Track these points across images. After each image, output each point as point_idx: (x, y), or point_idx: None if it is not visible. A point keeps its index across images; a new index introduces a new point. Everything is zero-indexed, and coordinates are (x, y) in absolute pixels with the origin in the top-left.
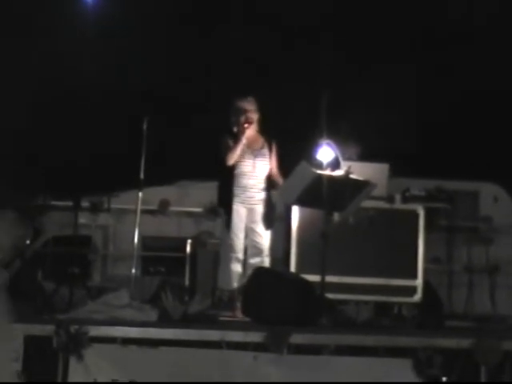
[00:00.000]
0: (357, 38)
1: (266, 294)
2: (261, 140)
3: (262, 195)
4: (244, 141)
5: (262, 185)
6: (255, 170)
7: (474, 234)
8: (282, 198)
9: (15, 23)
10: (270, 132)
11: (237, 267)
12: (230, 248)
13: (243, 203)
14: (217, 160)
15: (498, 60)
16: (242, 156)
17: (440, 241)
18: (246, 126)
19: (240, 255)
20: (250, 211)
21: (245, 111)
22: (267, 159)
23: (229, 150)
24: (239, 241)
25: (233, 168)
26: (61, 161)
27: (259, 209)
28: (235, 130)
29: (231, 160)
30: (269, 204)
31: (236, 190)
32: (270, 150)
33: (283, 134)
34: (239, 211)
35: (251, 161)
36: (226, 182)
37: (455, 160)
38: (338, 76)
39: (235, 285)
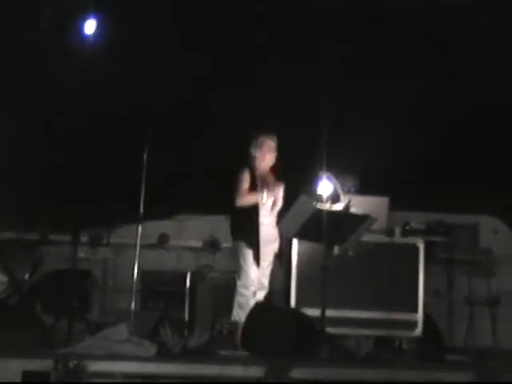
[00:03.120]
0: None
1: (266, 329)
2: (272, 176)
3: (276, 232)
4: (264, 200)
5: (275, 221)
6: (271, 205)
7: (474, 267)
8: (283, 230)
9: (17, 52)
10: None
11: (252, 301)
12: (247, 283)
13: (258, 239)
14: (231, 192)
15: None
16: (260, 191)
17: (440, 273)
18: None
19: (254, 289)
20: (263, 248)
21: (270, 150)
22: (281, 194)
23: (243, 194)
24: (255, 275)
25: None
26: (60, 195)
27: (271, 246)
28: (255, 165)
29: (241, 203)
30: (282, 240)
31: (254, 226)
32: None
33: (283, 167)
34: (259, 247)
35: (269, 196)
36: (244, 216)
37: (454, 193)
38: (338, 109)
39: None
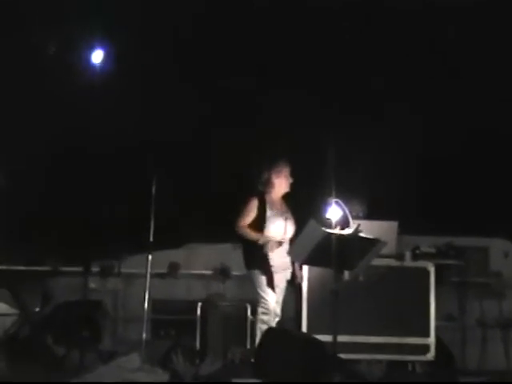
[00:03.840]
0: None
1: (278, 355)
2: (284, 203)
3: (289, 259)
4: (261, 242)
5: (286, 248)
6: (284, 232)
7: (485, 290)
8: (292, 257)
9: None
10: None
11: (273, 324)
12: (266, 308)
13: (273, 266)
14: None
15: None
16: (273, 218)
17: (451, 297)
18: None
19: (272, 317)
20: (276, 274)
21: (285, 176)
22: (293, 221)
23: (244, 222)
24: (272, 301)
25: (262, 229)
26: (71, 226)
27: (283, 273)
28: (267, 191)
29: (238, 232)
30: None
31: (264, 253)
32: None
33: (293, 193)
34: (272, 273)
35: (282, 223)
36: (253, 243)
37: (464, 216)
38: (347, 135)
39: None
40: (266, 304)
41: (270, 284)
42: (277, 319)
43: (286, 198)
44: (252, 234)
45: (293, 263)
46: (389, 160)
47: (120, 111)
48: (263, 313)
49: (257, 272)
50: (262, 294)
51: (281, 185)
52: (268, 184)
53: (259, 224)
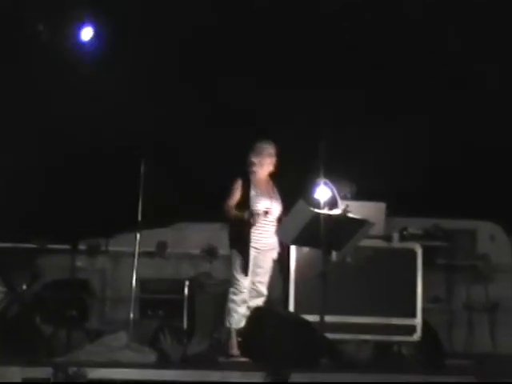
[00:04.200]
0: (358, 82)
1: (266, 334)
2: (271, 183)
3: (274, 239)
4: (246, 217)
5: (274, 228)
6: (269, 212)
7: (472, 273)
8: (281, 237)
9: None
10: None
11: (243, 308)
12: (237, 288)
13: (255, 246)
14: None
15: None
16: (257, 198)
17: (438, 280)
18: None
19: (246, 296)
20: (259, 255)
21: (269, 155)
22: (280, 201)
23: (230, 203)
24: (246, 282)
25: (247, 209)
26: (58, 204)
27: (269, 254)
28: (253, 170)
29: (228, 214)
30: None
31: (249, 233)
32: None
33: (281, 173)
34: (249, 254)
35: (267, 203)
36: (239, 223)
37: (452, 199)
38: (338, 116)
39: (239, 324)
40: (237, 284)
41: (245, 265)
42: (262, 299)
43: (274, 177)
44: (237, 213)
45: (281, 243)
46: (378, 142)
47: (111, 96)
48: (233, 293)
49: (234, 252)
50: (235, 273)
51: (261, 164)
52: (249, 164)
53: (244, 204)
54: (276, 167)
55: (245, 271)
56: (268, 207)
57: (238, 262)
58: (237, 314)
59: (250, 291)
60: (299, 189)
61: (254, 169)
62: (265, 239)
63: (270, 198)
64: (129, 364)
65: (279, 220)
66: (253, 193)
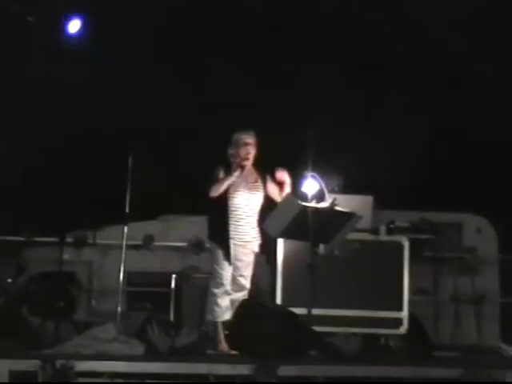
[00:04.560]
0: (346, 74)
1: (254, 327)
2: (255, 174)
3: (255, 231)
4: (234, 178)
5: (255, 220)
6: (249, 204)
7: (459, 265)
8: (268, 230)
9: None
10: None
11: (225, 300)
12: (219, 281)
13: (233, 239)
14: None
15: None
16: (235, 189)
17: (425, 272)
18: (244, 163)
19: (228, 288)
20: (239, 247)
21: (245, 144)
22: (261, 193)
23: (213, 182)
24: (227, 274)
25: (225, 201)
26: (46, 196)
27: (248, 247)
28: (232, 161)
29: (214, 192)
30: (265, 239)
31: (228, 225)
32: (264, 183)
33: (269, 166)
34: (229, 246)
35: (246, 194)
36: (217, 214)
37: (439, 192)
38: (324, 109)
39: (224, 317)
40: (218, 277)
41: (226, 257)
42: (244, 292)
43: (259, 169)
44: (224, 180)
45: (264, 235)
46: (365, 135)
47: (98, 87)
48: (215, 286)
49: (213, 244)
50: (215, 266)
51: (238, 155)
52: (228, 156)
53: (225, 193)
54: (257, 157)
55: (225, 262)
56: (245, 199)
57: (217, 254)
58: (219, 307)
59: (232, 285)
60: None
61: (232, 159)
62: (244, 231)
63: (249, 188)
64: (117, 356)
65: (261, 212)
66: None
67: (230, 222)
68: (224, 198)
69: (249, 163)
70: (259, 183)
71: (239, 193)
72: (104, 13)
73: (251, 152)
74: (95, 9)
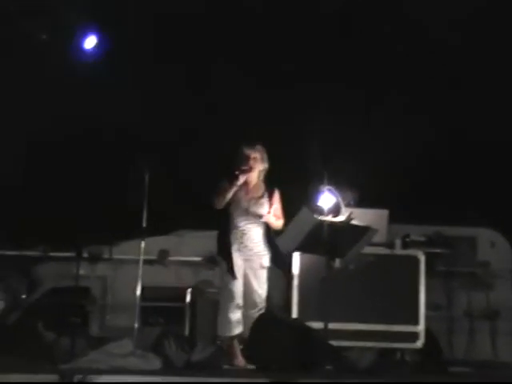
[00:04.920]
0: (356, 85)
1: (270, 341)
2: (262, 189)
3: (261, 245)
4: (235, 188)
5: (261, 234)
6: (253, 218)
7: (473, 280)
8: (284, 244)
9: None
10: (270, 179)
11: (236, 314)
12: (229, 295)
13: (240, 252)
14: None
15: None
16: (238, 204)
17: (439, 287)
18: (240, 173)
19: (239, 302)
20: (246, 262)
21: (247, 158)
22: (266, 208)
23: (217, 193)
24: (237, 288)
25: (230, 215)
26: (62, 212)
27: (257, 260)
28: (235, 174)
29: (219, 204)
30: (266, 253)
31: (232, 238)
32: (270, 199)
33: (284, 181)
34: (236, 259)
35: (245, 208)
36: (223, 229)
37: (453, 206)
38: (338, 123)
39: (235, 331)
40: (227, 291)
41: (231, 270)
42: (256, 310)
43: (267, 184)
44: (229, 189)
45: (272, 247)
46: (380, 149)
47: (114, 101)
48: (226, 300)
49: (220, 258)
50: (225, 281)
51: (239, 168)
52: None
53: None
54: (266, 172)
55: (233, 277)
56: (243, 212)
57: (224, 269)
58: (230, 322)
59: (244, 301)
60: (303, 196)
61: (237, 173)
62: (249, 246)
63: (253, 203)
64: (134, 371)
65: (267, 225)
66: (234, 195)
67: (234, 237)
68: (229, 213)
69: (251, 176)
70: (264, 199)
71: (242, 207)
72: (116, 26)
73: (253, 166)
74: (108, 24)
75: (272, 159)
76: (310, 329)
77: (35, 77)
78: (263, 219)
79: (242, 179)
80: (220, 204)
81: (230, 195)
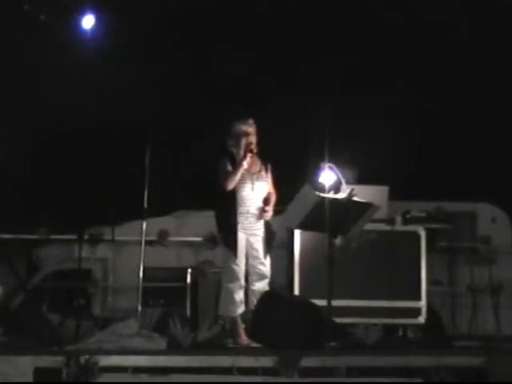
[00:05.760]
0: (355, 63)
1: (275, 319)
2: (258, 163)
3: (261, 220)
4: (245, 166)
5: (261, 209)
6: (254, 193)
7: (474, 255)
8: (286, 222)
9: (17, 63)
10: (269, 155)
11: (239, 294)
12: (232, 275)
13: (244, 229)
14: (214, 185)
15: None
16: (241, 180)
17: (441, 262)
18: (250, 154)
19: (242, 282)
20: (251, 237)
21: (246, 134)
22: (266, 182)
23: (228, 174)
24: (240, 268)
25: (231, 193)
26: (63, 195)
27: (260, 234)
28: (234, 152)
29: (231, 185)
30: (268, 229)
31: (236, 216)
32: (266, 172)
33: (285, 159)
34: (240, 238)
35: (250, 185)
36: (225, 208)
37: (453, 181)
38: (339, 99)
39: (238, 311)
40: (229, 271)
41: (239, 249)
42: (265, 281)
43: (261, 158)
44: (236, 172)
45: (267, 224)
46: (380, 126)
47: (115, 83)
48: (228, 281)
49: (224, 238)
50: (228, 261)
51: (237, 145)
52: (229, 147)
53: None
54: (257, 145)
55: (238, 256)
56: (249, 188)
57: (229, 249)
58: (234, 302)
59: (252, 275)
60: (304, 174)
61: (233, 150)
62: (254, 221)
63: (255, 179)
64: (140, 351)
65: (265, 201)
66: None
67: (240, 214)
68: (230, 191)
69: (254, 151)
70: (263, 172)
71: (246, 184)
72: (116, 9)
73: (253, 141)
74: (108, 5)
75: (272, 137)
76: (314, 306)
77: (38, 61)
78: (266, 216)
79: (249, 158)
80: (232, 186)
81: (238, 175)
